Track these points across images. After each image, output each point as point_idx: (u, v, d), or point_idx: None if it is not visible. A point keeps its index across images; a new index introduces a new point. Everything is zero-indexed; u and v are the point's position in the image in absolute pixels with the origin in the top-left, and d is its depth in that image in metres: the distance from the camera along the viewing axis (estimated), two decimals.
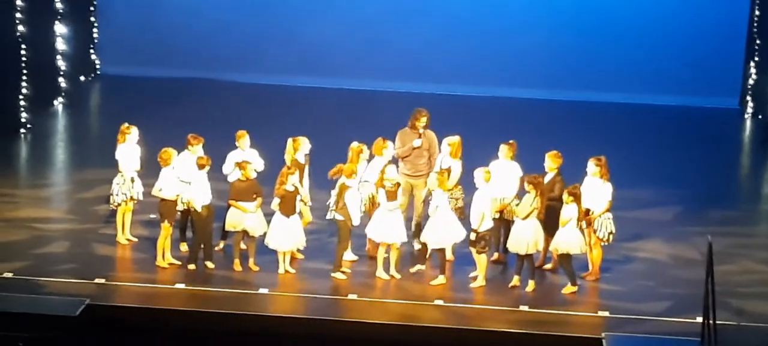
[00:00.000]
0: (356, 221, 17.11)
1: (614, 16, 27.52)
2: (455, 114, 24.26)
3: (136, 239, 18.02)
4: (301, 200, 17.36)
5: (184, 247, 17.69)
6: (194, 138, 17.68)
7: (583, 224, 16.89)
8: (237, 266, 17.15)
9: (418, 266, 17.26)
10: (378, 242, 17.07)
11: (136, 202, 17.98)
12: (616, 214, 17.30)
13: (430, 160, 17.93)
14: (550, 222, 17.03)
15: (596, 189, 17.01)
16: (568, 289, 16.80)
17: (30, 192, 20.47)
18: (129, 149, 17.92)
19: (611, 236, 17.12)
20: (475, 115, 25.33)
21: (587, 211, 16.94)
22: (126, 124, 18.14)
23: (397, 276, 17.01)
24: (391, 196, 16.94)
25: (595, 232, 17.02)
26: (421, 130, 18.00)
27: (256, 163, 17.66)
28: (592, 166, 17.18)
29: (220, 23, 27.78)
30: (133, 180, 17.84)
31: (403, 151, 17.90)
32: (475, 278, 16.95)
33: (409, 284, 16.96)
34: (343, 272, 17.05)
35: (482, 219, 16.71)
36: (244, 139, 17.93)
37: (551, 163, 17.39)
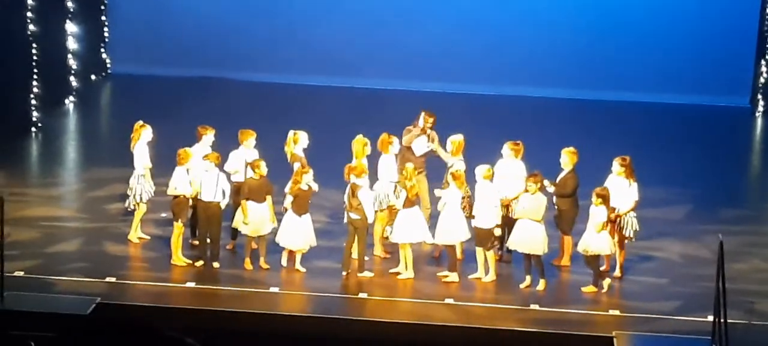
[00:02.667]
0: (371, 219, 17.11)
1: (624, 15, 27.50)
2: (465, 113, 24.28)
3: (148, 237, 18.03)
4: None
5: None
6: (203, 128, 17.77)
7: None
8: (248, 264, 17.15)
9: (448, 272, 17.17)
10: (398, 243, 17.08)
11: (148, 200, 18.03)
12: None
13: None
14: (563, 220, 16.99)
15: (621, 188, 16.99)
16: (590, 289, 16.74)
17: (41, 191, 20.49)
18: (143, 147, 17.94)
19: (635, 234, 17.13)
20: (486, 114, 25.32)
21: (612, 209, 16.94)
22: (140, 123, 18.16)
23: (410, 275, 16.99)
24: (410, 198, 16.94)
25: (620, 230, 16.99)
26: (429, 132, 18.14)
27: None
28: (616, 165, 17.16)
29: (230, 22, 27.80)
30: (147, 177, 17.88)
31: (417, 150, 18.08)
32: (478, 279, 16.94)
33: (419, 283, 16.95)
34: (369, 270, 17.06)
35: (497, 214, 16.77)
36: (250, 139, 17.87)
37: (568, 159, 17.34)
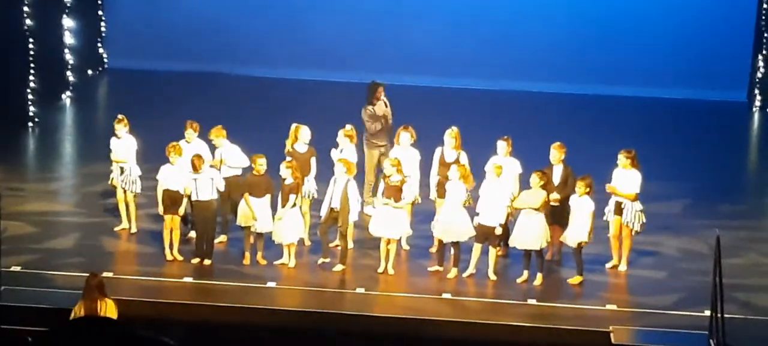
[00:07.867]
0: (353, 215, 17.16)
1: (622, 9, 27.52)
2: (463, 108, 24.30)
3: (154, 223, 18.05)
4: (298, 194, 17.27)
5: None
6: (190, 125, 17.87)
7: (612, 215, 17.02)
8: (246, 259, 17.15)
9: (436, 267, 17.15)
10: (379, 237, 17.06)
11: (136, 194, 18.04)
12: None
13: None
14: (562, 215, 16.98)
15: (626, 180, 17.06)
16: (575, 279, 16.79)
17: (37, 186, 20.49)
18: (123, 142, 18.03)
19: (642, 227, 17.16)
20: (484, 109, 25.33)
21: (620, 204, 16.98)
22: (119, 117, 18.26)
23: (391, 272, 16.97)
24: (393, 191, 16.86)
25: (627, 224, 17.01)
26: (384, 100, 19.12)
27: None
28: (622, 158, 17.19)
29: (228, 17, 27.80)
30: (122, 170, 17.93)
31: (375, 126, 18.97)
32: (472, 276, 16.92)
33: (417, 277, 16.95)
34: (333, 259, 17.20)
35: (505, 212, 16.76)
36: (217, 135, 17.92)
37: (558, 154, 17.34)
